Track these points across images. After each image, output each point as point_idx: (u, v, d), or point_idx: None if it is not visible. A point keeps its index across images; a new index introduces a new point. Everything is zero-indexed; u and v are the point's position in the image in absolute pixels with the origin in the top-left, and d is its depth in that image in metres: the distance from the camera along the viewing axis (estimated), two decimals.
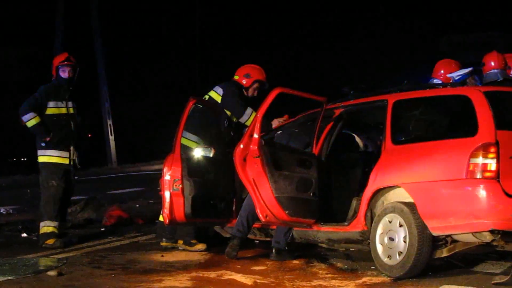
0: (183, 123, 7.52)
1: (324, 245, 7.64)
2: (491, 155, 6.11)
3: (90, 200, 11.44)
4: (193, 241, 8.04)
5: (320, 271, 6.96)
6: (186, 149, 7.73)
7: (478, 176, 6.11)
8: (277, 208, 6.97)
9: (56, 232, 8.38)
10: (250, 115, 8.00)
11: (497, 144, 6.13)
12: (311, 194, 7.25)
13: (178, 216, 7.36)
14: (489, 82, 7.41)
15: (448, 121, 6.95)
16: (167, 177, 7.39)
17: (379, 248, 6.65)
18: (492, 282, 6.17)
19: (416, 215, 6.39)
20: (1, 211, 11.92)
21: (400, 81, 7.63)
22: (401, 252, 6.45)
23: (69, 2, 25.26)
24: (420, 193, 6.45)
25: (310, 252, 7.87)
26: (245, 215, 7.50)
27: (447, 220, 6.24)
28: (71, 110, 8.65)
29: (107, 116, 25.91)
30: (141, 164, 24.70)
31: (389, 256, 6.56)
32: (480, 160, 6.12)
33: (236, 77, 8.37)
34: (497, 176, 6.09)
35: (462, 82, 7.36)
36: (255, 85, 8.35)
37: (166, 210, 7.34)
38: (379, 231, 6.68)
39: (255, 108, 7.55)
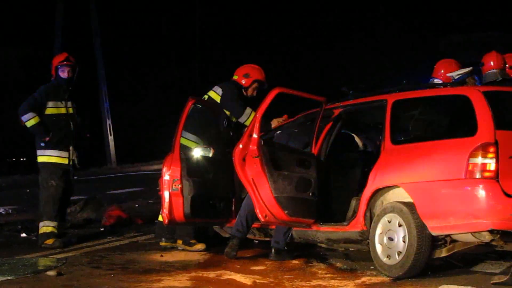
0: (182, 123, 7.52)
1: (323, 245, 7.64)
2: (490, 155, 6.10)
3: (90, 200, 11.44)
4: (193, 241, 8.04)
5: (320, 271, 6.96)
6: (185, 149, 7.73)
7: (477, 176, 6.11)
8: (277, 208, 6.96)
9: (56, 232, 8.38)
10: (249, 115, 8.01)
11: (496, 144, 6.13)
12: (310, 194, 7.25)
13: (177, 216, 7.35)
14: (488, 82, 7.41)
15: (447, 121, 6.94)
16: (166, 177, 7.39)
17: (379, 248, 6.65)
18: (491, 282, 6.17)
19: (416, 215, 6.39)
20: (1, 211, 11.92)
21: (400, 81, 7.63)
22: (401, 252, 6.45)
23: (69, 3, 25.28)
24: (419, 193, 6.45)
25: (310, 252, 7.87)
26: (244, 215, 7.50)
27: (446, 220, 6.24)
28: (71, 110, 8.65)
29: (106, 116, 25.92)
30: (140, 164, 24.71)
31: (388, 256, 6.56)
32: (479, 160, 6.11)
33: (235, 77, 8.37)
34: (496, 176, 6.09)
35: (461, 81, 7.36)
36: (255, 85, 8.34)
37: (165, 210, 7.34)
38: (378, 231, 6.68)
39: (254, 108, 7.55)
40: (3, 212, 11.81)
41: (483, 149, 6.12)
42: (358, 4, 32.39)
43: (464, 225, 6.17)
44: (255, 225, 7.70)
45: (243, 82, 8.31)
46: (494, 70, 7.59)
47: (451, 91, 6.87)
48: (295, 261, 7.40)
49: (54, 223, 8.38)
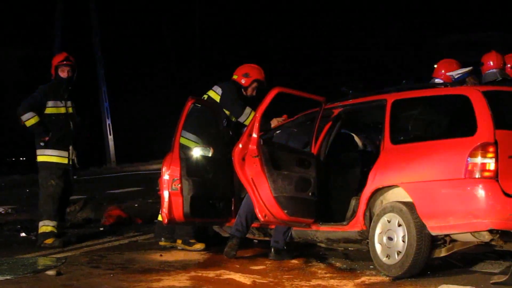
0: (182, 122, 7.52)
1: (323, 245, 7.64)
2: (490, 155, 6.10)
3: (89, 200, 11.45)
4: (192, 241, 8.04)
5: (319, 271, 6.96)
6: (185, 149, 7.73)
7: (477, 175, 6.11)
8: (276, 208, 6.96)
9: (55, 231, 8.38)
10: (249, 115, 8.01)
11: (496, 143, 6.13)
12: (310, 193, 7.25)
13: (177, 215, 7.35)
14: (488, 82, 7.42)
15: (447, 121, 6.94)
16: (166, 176, 7.39)
17: (378, 248, 6.65)
18: (491, 281, 6.17)
19: (415, 215, 6.39)
20: (0, 210, 11.91)
21: (400, 81, 7.63)
22: (400, 252, 6.45)
23: (69, 2, 25.27)
24: (419, 192, 6.45)
25: (309, 251, 7.87)
26: (244, 215, 7.50)
27: (446, 219, 6.24)
28: (70, 110, 8.65)
29: (106, 115, 25.91)
30: (140, 163, 24.68)
31: (387, 256, 6.56)
32: (479, 159, 6.12)
33: (235, 77, 8.37)
34: (496, 175, 6.09)
35: (461, 81, 7.36)
36: (254, 85, 8.35)
37: (165, 209, 7.34)
38: (378, 230, 6.68)
39: (254, 108, 7.55)
40: (2, 212, 11.80)
41: (483, 148, 6.12)
42: (358, 4, 32.39)
43: (464, 225, 6.17)
44: (255, 224, 7.70)
45: (243, 81, 8.31)
46: (494, 70, 7.60)
47: (450, 91, 6.87)
48: (294, 261, 7.40)
49: (53, 223, 8.38)
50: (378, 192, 6.84)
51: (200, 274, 6.77)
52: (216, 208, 7.76)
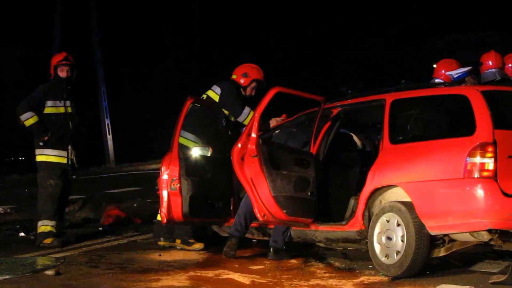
0: (181, 122, 7.52)
1: (322, 245, 7.63)
2: (488, 155, 6.11)
3: (88, 200, 11.43)
4: (191, 241, 8.03)
5: (318, 271, 6.95)
6: (184, 149, 7.73)
7: (476, 175, 6.11)
8: (275, 208, 6.96)
9: (54, 231, 8.38)
10: (248, 114, 8.01)
11: (495, 143, 6.13)
12: (309, 193, 7.25)
13: (176, 215, 7.35)
14: (487, 82, 7.41)
15: (446, 121, 6.94)
16: (165, 176, 7.39)
17: (377, 248, 6.65)
18: (490, 281, 6.17)
19: (414, 215, 6.39)
20: None
21: (399, 80, 7.63)
22: (399, 252, 6.45)
23: (68, 2, 25.26)
24: (418, 192, 6.45)
25: (308, 251, 7.86)
26: (243, 215, 7.50)
27: (444, 219, 6.24)
28: (69, 110, 8.65)
29: (105, 115, 25.90)
30: (139, 163, 24.65)
31: (386, 256, 6.55)
32: (477, 159, 6.12)
33: (234, 76, 8.37)
34: (494, 175, 6.09)
35: (460, 80, 7.36)
36: (253, 85, 8.34)
37: (164, 209, 7.33)
38: (376, 230, 6.67)
39: (253, 108, 7.55)
40: (1, 211, 11.79)
41: (482, 148, 6.12)
42: (358, 4, 32.38)
43: (463, 225, 6.17)
44: (254, 224, 7.70)
45: (242, 81, 8.31)
46: (493, 70, 7.61)
47: (449, 91, 6.87)
48: (293, 261, 7.40)
49: (52, 223, 8.38)
50: (377, 192, 6.84)
51: (199, 274, 6.76)
52: (215, 208, 7.75)
